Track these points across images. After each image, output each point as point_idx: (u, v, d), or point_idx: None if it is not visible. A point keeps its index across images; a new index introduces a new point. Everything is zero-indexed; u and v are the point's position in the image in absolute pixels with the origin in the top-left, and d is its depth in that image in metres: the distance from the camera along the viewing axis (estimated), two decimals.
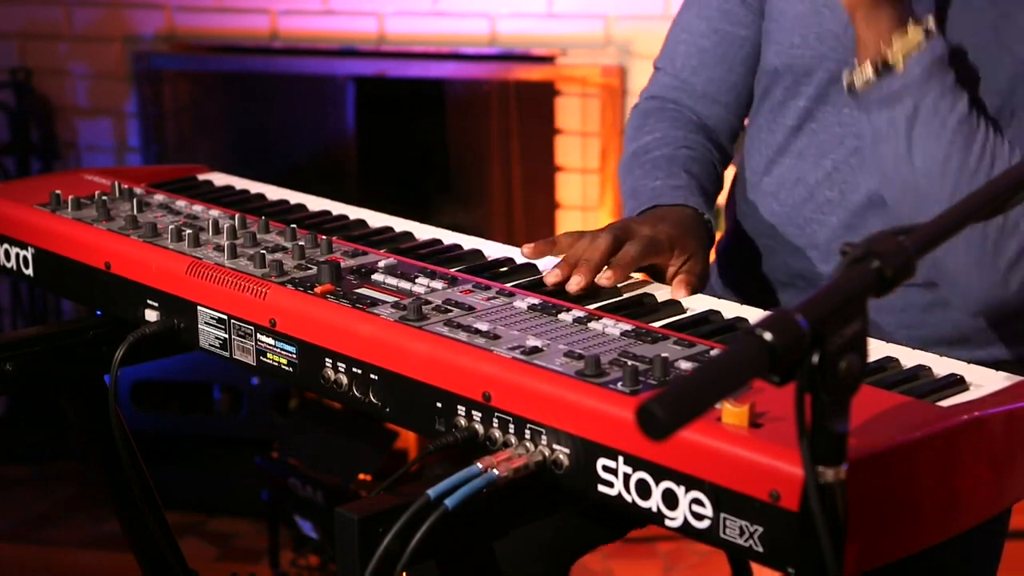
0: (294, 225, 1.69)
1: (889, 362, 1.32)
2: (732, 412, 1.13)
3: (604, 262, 1.53)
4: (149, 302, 1.64)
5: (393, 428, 3.22)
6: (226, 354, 1.56)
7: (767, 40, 1.80)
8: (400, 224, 1.79)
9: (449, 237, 1.73)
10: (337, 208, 1.86)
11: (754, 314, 1.46)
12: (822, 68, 1.73)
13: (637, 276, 1.58)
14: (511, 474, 1.21)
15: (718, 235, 1.84)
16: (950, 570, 1.65)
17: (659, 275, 1.61)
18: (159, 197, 1.87)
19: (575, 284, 1.49)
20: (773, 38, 1.78)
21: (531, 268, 1.60)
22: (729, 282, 1.92)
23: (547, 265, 1.61)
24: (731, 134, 1.91)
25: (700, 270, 1.62)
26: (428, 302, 1.44)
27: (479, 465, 1.21)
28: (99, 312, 1.79)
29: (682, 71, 1.88)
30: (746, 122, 1.90)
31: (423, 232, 1.75)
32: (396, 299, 1.45)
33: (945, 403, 1.22)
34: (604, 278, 1.52)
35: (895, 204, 1.63)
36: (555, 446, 1.22)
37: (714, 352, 1.30)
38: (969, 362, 1.34)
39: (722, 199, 1.93)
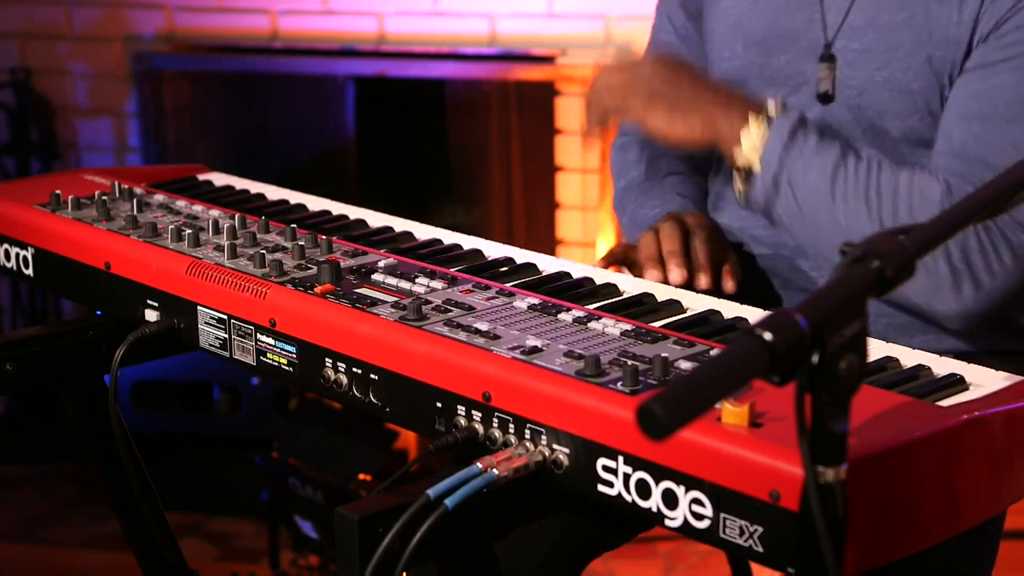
0: (294, 225, 1.69)
1: (889, 362, 1.32)
2: (732, 412, 1.13)
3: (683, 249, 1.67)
4: (149, 302, 1.64)
5: (393, 428, 3.22)
6: (226, 354, 1.56)
7: (708, 64, 1.88)
8: (400, 224, 1.79)
9: (449, 237, 1.73)
10: (337, 208, 1.86)
11: (754, 314, 1.46)
12: (754, 75, 1.79)
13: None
14: (511, 474, 1.21)
15: None
16: (947, 570, 1.65)
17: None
18: (159, 197, 1.87)
19: (679, 278, 1.64)
20: (710, 60, 1.87)
21: (531, 268, 1.60)
22: None
23: (547, 266, 1.61)
24: (706, 153, 1.98)
25: (736, 260, 1.73)
26: (428, 302, 1.44)
27: (479, 465, 1.21)
28: (99, 312, 1.79)
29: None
30: None
31: (423, 232, 1.75)
32: (396, 299, 1.45)
33: (945, 403, 1.22)
34: (702, 283, 1.65)
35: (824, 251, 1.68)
36: (555, 446, 1.22)
37: (714, 352, 1.30)
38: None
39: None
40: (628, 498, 1.17)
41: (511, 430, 1.26)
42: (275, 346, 1.49)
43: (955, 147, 1.61)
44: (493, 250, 1.67)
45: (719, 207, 1.90)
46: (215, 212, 1.79)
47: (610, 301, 1.48)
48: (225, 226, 1.67)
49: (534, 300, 1.45)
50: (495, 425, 1.27)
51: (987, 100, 1.60)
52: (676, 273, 1.64)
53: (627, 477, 1.17)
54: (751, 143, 1.60)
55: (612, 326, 1.36)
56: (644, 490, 1.16)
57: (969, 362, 1.32)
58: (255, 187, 1.97)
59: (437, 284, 1.50)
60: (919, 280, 1.55)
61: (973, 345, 1.69)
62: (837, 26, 1.72)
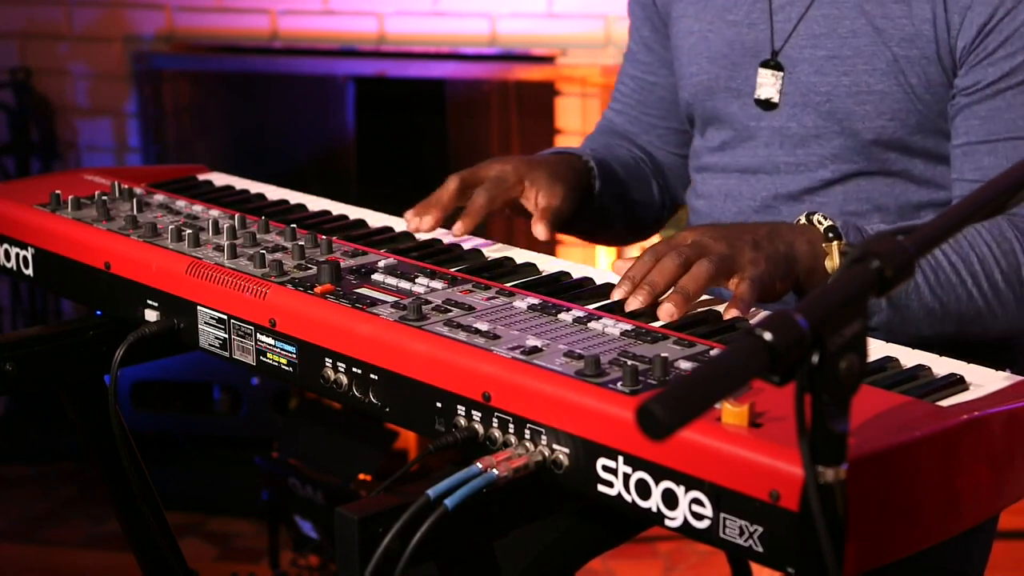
0: (294, 225, 1.69)
1: (889, 362, 1.32)
2: (732, 412, 1.13)
3: (452, 207, 1.69)
4: (149, 302, 1.64)
5: (393, 428, 3.22)
6: (226, 354, 1.56)
7: (677, 79, 1.91)
8: (400, 224, 1.79)
9: (449, 237, 1.73)
10: (337, 208, 1.86)
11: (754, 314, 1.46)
12: (720, 88, 1.82)
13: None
14: (511, 474, 1.21)
15: None
16: (943, 569, 1.65)
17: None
18: (159, 197, 1.87)
19: (426, 225, 1.68)
20: (679, 75, 1.90)
21: (531, 268, 1.60)
22: None
23: (547, 266, 1.61)
24: (664, 162, 2.03)
25: (556, 203, 1.71)
26: (428, 302, 1.44)
27: (479, 465, 1.21)
28: (99, 312, 1.79)
29: (608, 115, 2.06)
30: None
31: (423, 232, 1.75)
32: (396, 299, 1.45)
33: (945, 403, 1.22)
34: (456, 229, 1.66)
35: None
36: (555, 446, 1.22)
37: (714, 352, 1.30)
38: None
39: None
40: (628, 498, 1.17)
41: (511, 430, 1.26)
42: (275, 346, 1.49)
43: (988, 173, 1.64)
44: (493, 250, 1.67)
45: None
46: (215, 212, 1.79)
47: (609, 301, 1.48)
48: (225, 226, 1.67)
49: (534, 300, 1.44)
50: (495, 425, 1.27)
51: (1002, 121, 1.63)
52: (426, 223, 1.68)
53: (627, 477, 1.17)
54: (833, 264, 1.52)
55: (612, 326, 1.36)
56: (644, 490, 1.16)
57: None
58: (255, 187, 1.97)
59: (437, 284, 1.50)
60: (1019, 309, 1.58)
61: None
62: (787, 35, 1.75)
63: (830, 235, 1.52)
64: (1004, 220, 1.60)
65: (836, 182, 1.75)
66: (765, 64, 1.77)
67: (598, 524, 1.79)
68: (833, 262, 1.51)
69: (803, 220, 1.54)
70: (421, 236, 1.73)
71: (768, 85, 1.77)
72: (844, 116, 1.71)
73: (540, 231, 1.66)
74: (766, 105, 1.77)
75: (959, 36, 1.64)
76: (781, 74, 1.76)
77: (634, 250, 3.72)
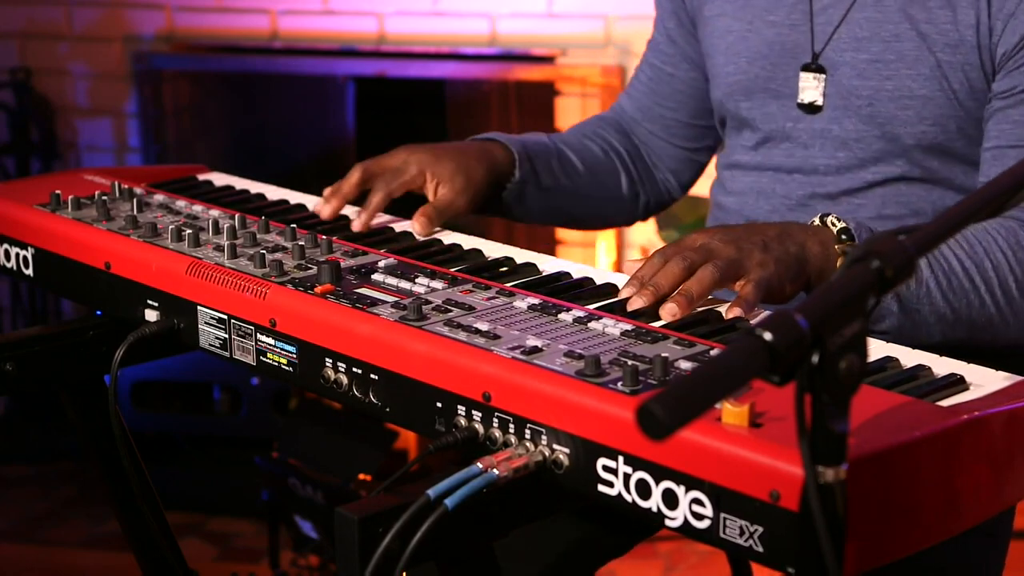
0: (294, 225, 1.69)
1: (889, 362, 1.32)
2: (732, 412, 1.13)
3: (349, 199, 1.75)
4: (149, 302, 1.64)
5: (393, 428, 3.22)
6: (226, 354, 1.56)
7: (710, 77, 1.91)
8: (400, 224, 1.79)
9: (449, 237, 1.73)
10: None
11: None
12: (759, 89, 1.81)
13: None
14: (511, 474, 1.21)
15: None
16: (952, 572, 1.65)
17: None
18: (159, 197, 1.87)
19: (326, 212, 1.75)
20: (713, 74, 1.89)
21: (531, 268, 1.60)
22: None
23: (547, 266, 1.61)
24: (663, 154, 2.03)
25: (450, 196, 1.75)
26: (428, 302, 1.44)
27: (479, 465, 1.21)
28: (99, 312, 1.79)
29: (622, 99, 2.07)
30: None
31: None
32: (396, 299, 1.45)
33: (945, 403, 1.22)
34: (354, 225, 1.72)
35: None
36: (555, 446, 1.22)
37: (714, 352, 1.30)
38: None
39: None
40: (628, 498, 1.17)
41: (511, 430, 1.26)
42: (275, 346, 1.49)
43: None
44: (493, 250, 1.67)
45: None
46: (215, 212, 1.79)
47: (610, 301, 1.48)
48: (225, 226, 1.67)
49: (534, 300, 1.44)
50: (495, 425, 1.27)
51: None
52: (327, 211, 1.75)
53: (627, 477, 1.17)
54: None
55: (612, 326, 1.36)
56: (644, 490, 1.16)
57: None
58: (255, 187, 1.97)
59: (437, 284, 1.50)
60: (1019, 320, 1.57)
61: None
62: (827, 36, 1.74)
63: (843, 237, 1.51)
64: (1018, 226, 1.59)
65: (876, 185, 1.75)
66: (807, 68, 1.76)
67: (606, 531, 1.79)
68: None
69: (816, 222, 1.53)
70: (420, 236, 1.74)
71: (811, 88, 1.76)
72: (886, 120, 1.71)
73: (416, 226, 1.72)
74: (810, 109, 1.76)
75: (1000, 42, 1.63)
76: (824, 76, 1.75)
77: (634, 250, 3.72)
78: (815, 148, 1.77)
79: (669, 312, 1.40)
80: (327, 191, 1.78)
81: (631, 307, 1.42)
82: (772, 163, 1.83)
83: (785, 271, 1.46)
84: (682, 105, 1.99)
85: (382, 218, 1.81)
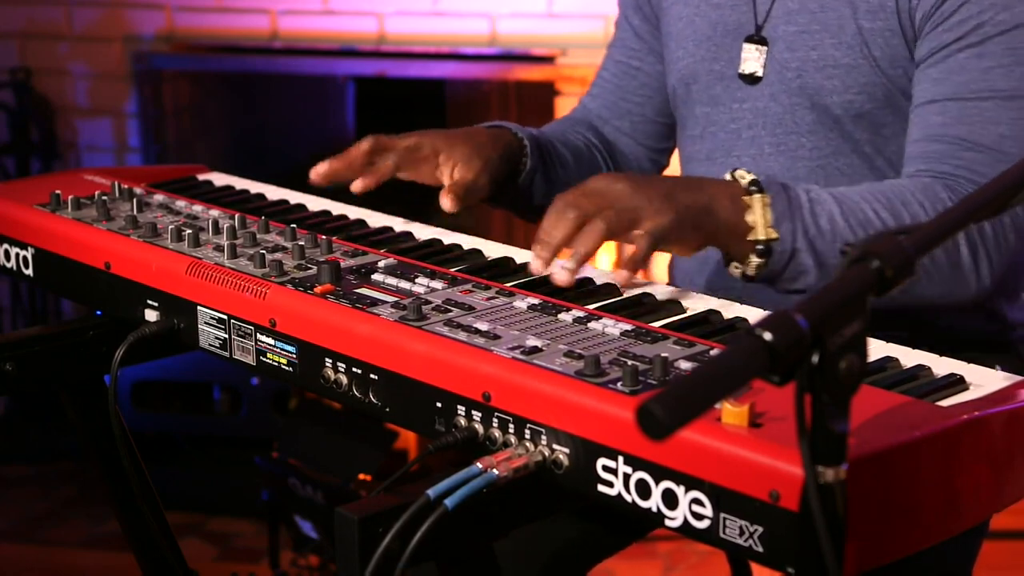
0: (294, 225, 1.69)
1: (889, 362, 1.32)
2: (732, 412, 1.13)
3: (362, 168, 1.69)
4: (149, 302, 1.64)
5: (393, 428, 3.22)
6: (226, 354, 1.56)
7: (665, 65, 1.92)
8: (400, 224, 1.79)
9: (449, 237, 1.73)
10: (337, 208, 1.86)
11: (754, 314, 1.46)
12: (704, 71, 1.83)
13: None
14: (511, 474, 1.21)
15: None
16: (941, 570, 1.65)
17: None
18: (159, 197, 1.87)
19: (321, 169, 1.68)
20: (667, 60, 1.91)
21: None
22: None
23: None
24: (628, 152, 2.03)
25: (470, 177, 1.71)
26: (428, 302, 1.44)
27: (479, 465, 1.21)
28: (99, 312, 1.79)
29: (585, 100, 2.08)
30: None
31: (423, 232, 1.76)
32: (396, 299, 1.45)
33: (945, 403, 1.22)
34: (354, 186, 1.68)
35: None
36: (555, 446, 1.22)
37: (714, 352, 1.30)
38: None
39: None
40: (628, 498, 1.17)
41: (511, 430, 1.26)
42: (275, 346, 1.49)
43: (933, 131, 1.63)
44: (493, 250, 1.67)
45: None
46: (215, 212, 1.79)
47: (610, 301, 1.48)
48: (225, 226, 1.67)
49: (534, 300, 1.44)
50: (495, 425, 1.27)
51: (952, 83, 1.63)
52: (321, 172, 1.69)
53: (627, 477, 1.17)
54: (756, 213, 1.50)
55: (612, 326, 1.36)
56: (644, 490, 1.16)
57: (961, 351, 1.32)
58: (255, 187, 1.97)
59: (437, 284, 1.50)
60: (943, 275, 1.57)
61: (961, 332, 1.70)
62: (766, 11, 1.77)
63: (751, 188, 1.51)
64: (933, 181, 1.59)
65: (818, 166, 1.75)
66: (749, 39, 1.78)
67: (604, 529, 1.79)
68: (754, 216, 1.50)
69: (729, 177, 1.54)
70: (421, 236, 1.74)
71: (752, 59, 1.78)
72: (815, 91, 1.72)
73: (446, 203, 1.67)
74: (750, 79, 1.78)
75: (918, 6, 1.65)
76: (765, 48, 1.77)
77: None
78: (758, 127, 1.79)
79: (560, 281, 1.45)
80: (330, 159, 1.71)
81: (534, 272, 1.47)
82: (722, 149, 1.83)
83: (686, 220, 1.46)
84: (648, 100, 1.99)
85: (382, 219, 1.81)
